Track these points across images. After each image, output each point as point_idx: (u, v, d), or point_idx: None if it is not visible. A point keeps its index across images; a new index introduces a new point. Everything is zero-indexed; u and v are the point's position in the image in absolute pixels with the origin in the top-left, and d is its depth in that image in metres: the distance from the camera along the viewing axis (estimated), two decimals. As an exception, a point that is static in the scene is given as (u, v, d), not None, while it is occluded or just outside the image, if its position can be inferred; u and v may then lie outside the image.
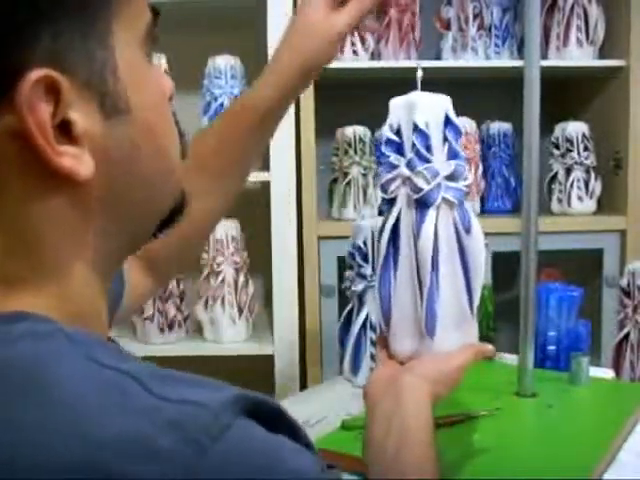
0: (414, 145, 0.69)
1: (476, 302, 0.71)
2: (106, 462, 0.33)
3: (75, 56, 0.39)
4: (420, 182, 0.68)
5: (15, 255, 0.41)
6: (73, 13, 0.38)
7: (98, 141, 0.41)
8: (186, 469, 0.33)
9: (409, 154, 0.69)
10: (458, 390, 0.98)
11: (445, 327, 0.69)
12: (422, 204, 0.69)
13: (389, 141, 0.71)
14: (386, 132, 0.72)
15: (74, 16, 0.39)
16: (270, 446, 0.37)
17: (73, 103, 0.39)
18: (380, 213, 1.67)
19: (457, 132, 0.71)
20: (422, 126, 0.68)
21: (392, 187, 0.71)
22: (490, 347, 0.72)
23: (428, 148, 0.69)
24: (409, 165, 0.69)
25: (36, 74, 0.37)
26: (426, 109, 0.69)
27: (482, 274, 0.71)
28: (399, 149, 0.71)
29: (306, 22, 0.74)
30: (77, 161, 0.40)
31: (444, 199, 0.69)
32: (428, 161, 0.68)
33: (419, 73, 0.74)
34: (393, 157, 0.71)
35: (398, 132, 0.71)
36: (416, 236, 0.68)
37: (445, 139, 0.70)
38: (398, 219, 0.71)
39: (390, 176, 0.71)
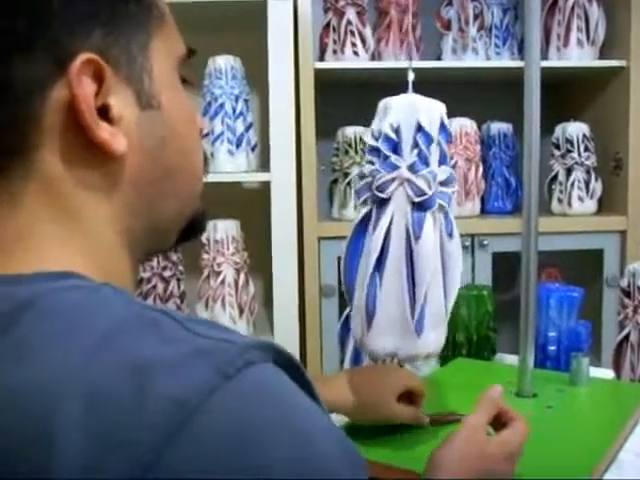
0: (416, 145, 0.68)
1: (450, 304, 0.73)
2: (142, 382, 0.36)
3: (119, 54, 0.47)
4: (423, 185, 0.67)
5: (58, 216, 0.47)
6: (121, 21, 0.47)
7: (132, 127, 0.47)
8: (210, 393, 0.36)
9: (409, 155, 0.69)
10: (457, 390, 0.98)
11: (428, 327, 0.71)
12: (420, 207, 0.68)
13: (388, 139, 0.70)
14: (386, 129, 0.70)
15: (122, 24, 0.47)
16: (299, 396, 0.40)
17: (114, 90, 0.46)
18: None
19: (448, 137, 0.71)
20: (427, 127, 0.68)
21: (390, 188, 0.70)
22: (498, 389, 0.72)
23: (428, 151, 0.68)
24: (412, 167, 0.68)
25: (86, 56, 0.44)
26: (429, 111, 0.69)
27: (459, 278, 0.73)
28: (395, 149, 0.70)
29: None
30: (112, 137, 0.46)
31: (438, 204, 0.70)
32: (428, 164, 0.68)
33: (410, 75, 0.73)
34: (394, 157, 0.69)
35: (397, 131, 0.70)
36: (414, 239, 0.68)
37: (438, 143, 0.70)
38: (391, 220, 0.70)
39: (389, 177, 0.70)
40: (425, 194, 0.68)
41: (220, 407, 0.36)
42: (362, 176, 0.72)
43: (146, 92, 0.48)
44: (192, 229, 0.57)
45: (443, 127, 0.70)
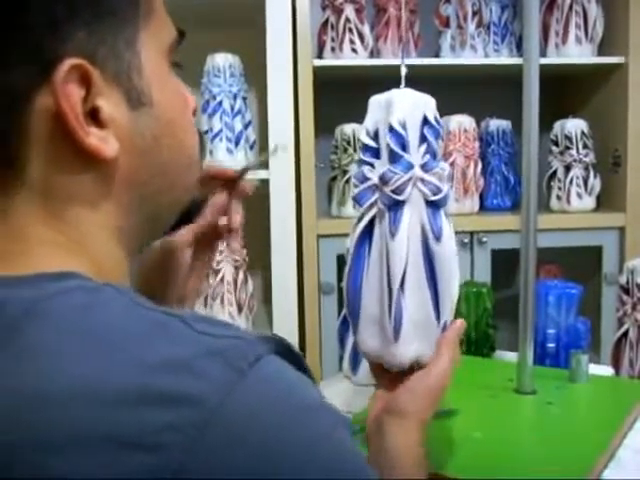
0: (424, 141, 0.65)
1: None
2: (156, 383, 0.36)
3: (106, 54, 0.45)
4: (438, 182, 0.65)
5: (51, 221, 0.46)
6: (105, 19, 0.45)
7: (123, 128, 0.46)
8: (228, 390, 0.36)
9: (417, 151, 0.66)
10: (456, 387, 0.99)
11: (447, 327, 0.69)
12: (435, 206, 0.65)
13: (398, 136, 0.65)
14: (396, 126, 0.65)
15: (106, 21, 0.45)
16: (303, 381, 0.41)
17: (102, 92, 0.45)
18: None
19: (441, 132, 0.69)
20: (434, 121, 0.66)
21: (408, 189, 0.65)
22: (458, 323, 0.67)
23: (436, 145, 0.67)
24: (425, 165, 0.65)
25: (70, 62, 0.43)
26: (430, 105, 0.67)
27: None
28: (403, 146, 0.66)
29: None
30: (103, 142, 0.45)
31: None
32: (437, 159, 0.66)
33: (403, 70, 0.71)
34: (407, 156, 0.65)
35: (404, 127, 0.66)
36: (434, 240, 0.65)
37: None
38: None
39: (406, 177, 0.65)
40: (441, 191, 0.65)
41: (240, 403, 0.36)
42: (364, 179, 0.67)
43: (136, 90, 0.47)
44: (188, 215, 0.57)
45: (437, 121, 0.67)
